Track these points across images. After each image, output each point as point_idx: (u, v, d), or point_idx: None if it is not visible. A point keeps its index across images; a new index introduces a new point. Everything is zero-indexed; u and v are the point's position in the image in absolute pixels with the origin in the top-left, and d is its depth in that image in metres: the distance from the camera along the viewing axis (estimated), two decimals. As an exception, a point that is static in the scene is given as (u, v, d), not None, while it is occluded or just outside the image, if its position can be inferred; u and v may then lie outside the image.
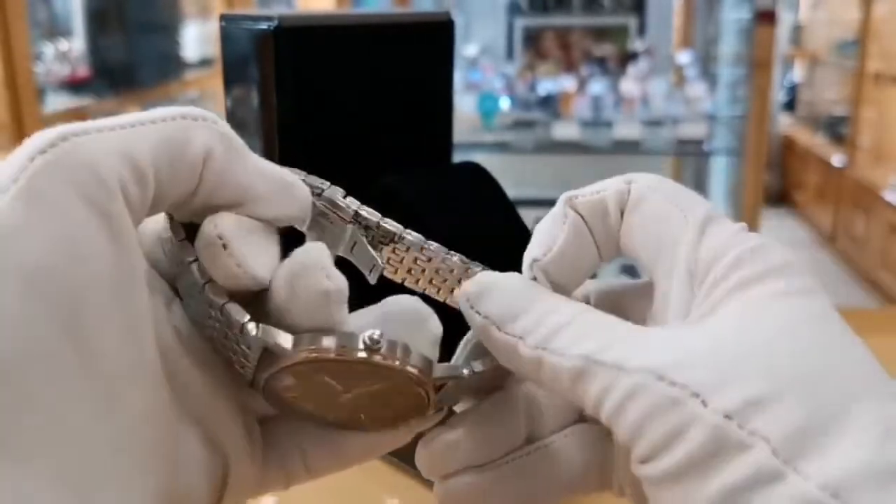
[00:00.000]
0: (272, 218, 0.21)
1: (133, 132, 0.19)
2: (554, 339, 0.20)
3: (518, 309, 0.21)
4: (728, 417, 0.17)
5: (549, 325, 0.20)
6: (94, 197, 0.17)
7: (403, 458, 0.40)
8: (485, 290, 0.22)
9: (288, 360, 0.19)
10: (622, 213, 0.22)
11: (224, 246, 0.20)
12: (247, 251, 0.20)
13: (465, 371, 0.21)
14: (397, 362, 0.20)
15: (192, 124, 0.20)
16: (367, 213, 0.24)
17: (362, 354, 0.20)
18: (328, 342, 0.19)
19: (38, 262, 0.16)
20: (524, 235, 0.42)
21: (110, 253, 0.17)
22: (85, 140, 0.18)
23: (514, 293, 0.22)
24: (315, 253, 0.20)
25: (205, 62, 2.23)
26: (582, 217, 0.22)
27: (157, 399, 0.19)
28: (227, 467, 0.21)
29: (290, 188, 0.22)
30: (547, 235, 0.23)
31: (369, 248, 0.23)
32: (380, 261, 0.23)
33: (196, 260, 0.20)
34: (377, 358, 0.20)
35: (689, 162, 2.48)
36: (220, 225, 0.20)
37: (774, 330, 0.19)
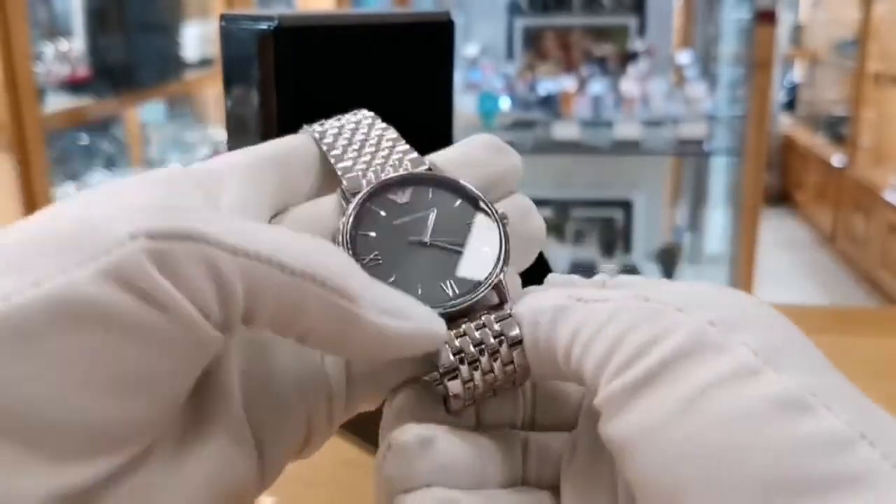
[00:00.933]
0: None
1: (249, 263, 0.17)
2: (538, 295, 0.22)
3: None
4: (711, 324, 0.18)
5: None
6: (166, 305, 0.16)
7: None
8: None
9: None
10: None
11: None
12: None
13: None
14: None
15: (306, 286, 0.18)
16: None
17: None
18: None
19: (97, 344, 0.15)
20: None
21: (161, 355, 0.16)
22: (191, 247, 0.16)
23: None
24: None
25: (205, 62, 2.23)
26: None
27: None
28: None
29: (425, 337, 0.21)
30: None
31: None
32: None
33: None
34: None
35: (689, 162, 2.48)
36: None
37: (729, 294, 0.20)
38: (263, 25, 0.39)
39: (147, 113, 2.17)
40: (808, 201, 3.74)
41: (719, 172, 2.40)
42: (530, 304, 0.21)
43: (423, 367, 0.22)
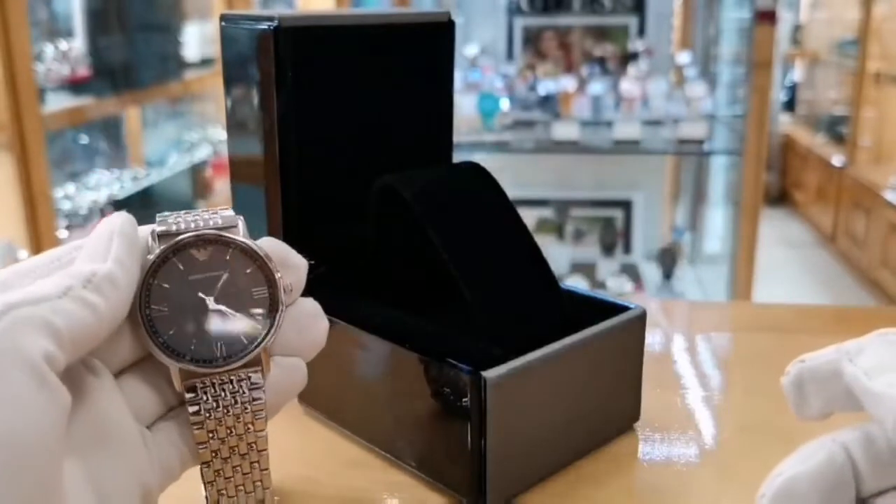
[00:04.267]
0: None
1: (51, 307, 0.22)
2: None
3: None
4: None
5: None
6: (32, 364, 0.20)
7: (403, 457, 0.40)
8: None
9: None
10: None
11: None
12: None
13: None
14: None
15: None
16: None
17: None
18: None
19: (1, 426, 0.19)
20: (524, 235, 0.42)
21: (50, 409, 0.20)
22: (20, 314, 0.21)
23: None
24: None
25: (205, 62, 2.23)
26: None
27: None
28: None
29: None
30: None
31: None
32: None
33: None
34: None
35: (689, 162, 2.48)
36: None
37: None
38: (263, 25, 0.39)
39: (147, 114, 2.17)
40: (808, 201, 3.74)
41: (719, 172, 2.40)
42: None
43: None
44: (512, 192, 0.43)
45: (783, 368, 0.27)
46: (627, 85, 2.12)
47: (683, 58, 2.32)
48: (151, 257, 0.25)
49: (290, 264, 0.28)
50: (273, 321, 0.27)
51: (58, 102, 1.66)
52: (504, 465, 0.36)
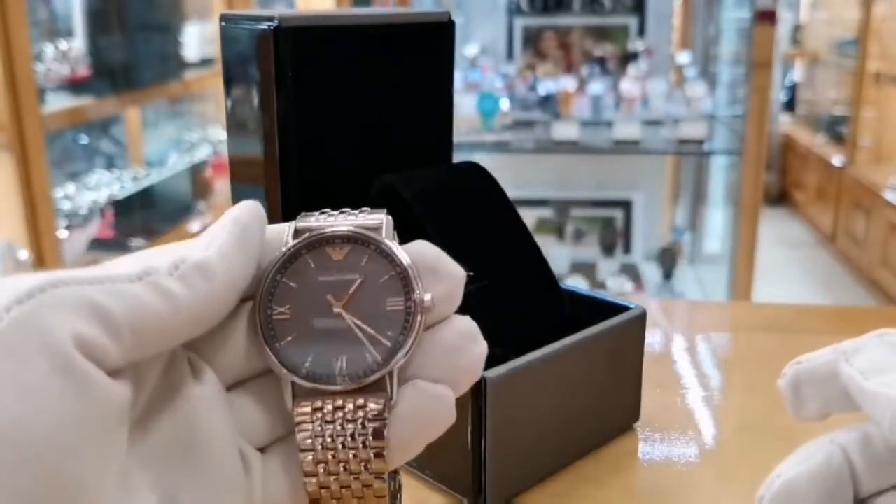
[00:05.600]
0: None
1: (109, 288, 0.19)
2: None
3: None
4: None
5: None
6: (56, 349, 0.18)
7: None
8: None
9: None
10: None
11: None
12: None
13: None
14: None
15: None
16: None
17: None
18: None
19: (6, 414, 0.17)
20: (524, 235, 0.42)
21: (72, 400, 0.18)
22: (59, 293, 0.18)
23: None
24: None
25: (205, 62, 2.23)
26: None
27: None
28: None
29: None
30: None
31: None
32: None
33: None
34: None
35: (689, 162, 2.48)
36: None
37: None
38: (263, 25, 0.39)
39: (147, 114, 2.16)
40: (808, 201, 3.74)
41: (719, 172, 2.40)
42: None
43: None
44: (512, 192, 0.43)
45: (783, 368, 0.27)
46: (627, 85, 2.12)
47: (683, 58, 2.32)
48: (283, 250, 0.23)
49: (441, 273, 0.24)
50: (406, 341, 0.23)
51: (58, 102, 1.66)
52: (504, 465, 0.36)
